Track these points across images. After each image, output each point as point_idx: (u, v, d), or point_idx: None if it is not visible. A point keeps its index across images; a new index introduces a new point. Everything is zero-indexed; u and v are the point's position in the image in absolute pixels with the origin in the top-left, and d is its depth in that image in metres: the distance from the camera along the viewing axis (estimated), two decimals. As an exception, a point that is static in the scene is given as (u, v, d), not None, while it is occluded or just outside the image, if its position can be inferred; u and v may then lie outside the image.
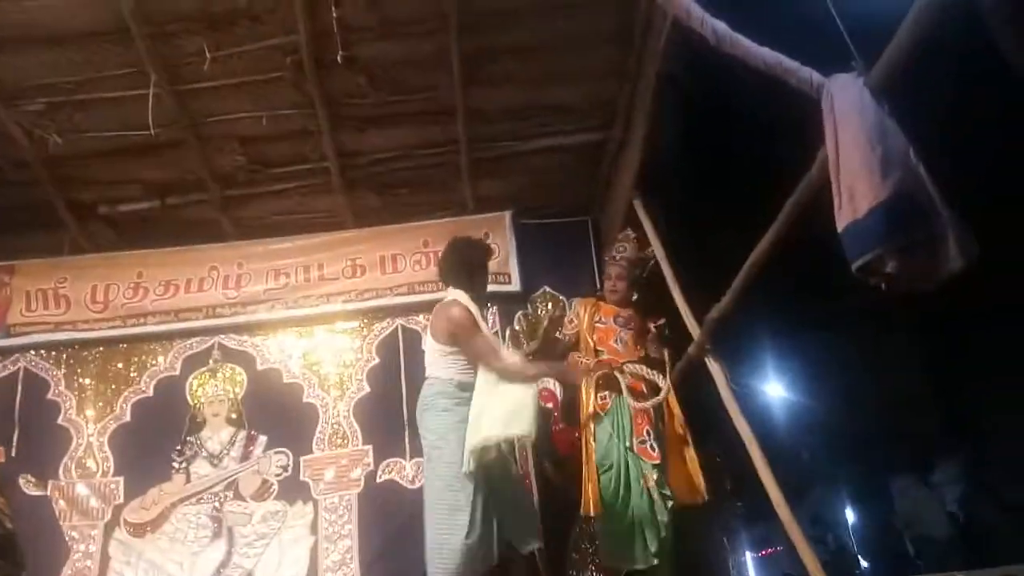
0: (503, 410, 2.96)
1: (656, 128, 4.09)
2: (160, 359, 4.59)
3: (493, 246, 4.64)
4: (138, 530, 4.10)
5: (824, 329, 9.98)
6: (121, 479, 4.23)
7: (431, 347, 3.29)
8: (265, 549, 4.06)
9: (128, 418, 4.42)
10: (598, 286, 4.77)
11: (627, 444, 3.51)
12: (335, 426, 4.42)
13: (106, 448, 4.31)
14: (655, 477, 3.42)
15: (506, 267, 4.72)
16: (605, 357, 3.78)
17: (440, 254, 3.68)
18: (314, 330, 4.70)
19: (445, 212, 4.98)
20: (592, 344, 3.85)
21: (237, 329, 4.66)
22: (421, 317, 4.69)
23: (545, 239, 4.89)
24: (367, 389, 4.52)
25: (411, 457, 4.29)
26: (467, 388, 3.14)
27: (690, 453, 3.62)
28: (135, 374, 4.53)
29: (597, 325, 3.89)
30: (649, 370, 3.72)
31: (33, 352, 4.54)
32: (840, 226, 2.21)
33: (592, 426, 3.60)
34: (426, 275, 4.70)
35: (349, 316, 4.72)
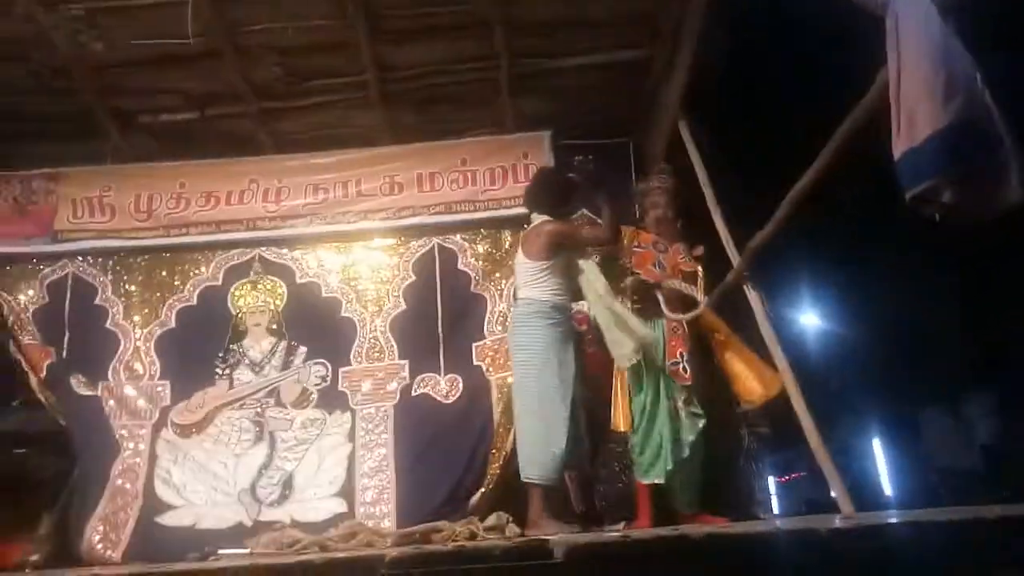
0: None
1: (705, 46, 3.95)
2: (203, 269, 4.69)
3: (532, 166, 4.62)
4: (184, 431, 4.28)
5: (862, 259, 9.79)
6: (167, 382, 4.40)
7: (525, 268, 3.52)
8: (305, 454, 4.22)
9: (173, 324, 4.56)
10: (636, 211, 4.71)
11: (660, 365, 3.55)
12: (372, 340, 4.51)
13: (152, 353, 4.46)
14: (684, 397, 3.49)
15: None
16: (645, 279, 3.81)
17: (530, 182, 3.96)
18: (352, 246, 4.75)
19: (483, 130, 4.91)
20: (630, 268, 3.86)
21: (277, 242, 4.72)
22: (458, 236, 4.71)
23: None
24: (403, 306, 4.58)
25: (445, 373, 4.39)
26: (561, 310, 3.44)
27: (746, 355, 3.64)
28: (179, 282, 4.64)
29: (635, 250, 3.88)
30: (688, 286, 3.72)
31: (80, 259, 4.66)
32: (897, 153, 2.13)
33: None
34: (464, 194, 4.69)
35: (386, 233, 4.75)
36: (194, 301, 4.63)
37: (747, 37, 4.28)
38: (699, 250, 3.89)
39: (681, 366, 3.57)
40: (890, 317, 10.27)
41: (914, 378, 10.93)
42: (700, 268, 3.82)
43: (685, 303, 3.71)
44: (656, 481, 3.42)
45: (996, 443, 10.03)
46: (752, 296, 3.51)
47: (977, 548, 1.38)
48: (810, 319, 12.51)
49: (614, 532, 3.21)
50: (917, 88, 2.12)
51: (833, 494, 3.08)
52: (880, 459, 13.92)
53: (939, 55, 2.11)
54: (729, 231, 3.75)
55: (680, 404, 3.45)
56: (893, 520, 1.49)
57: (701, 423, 3.44)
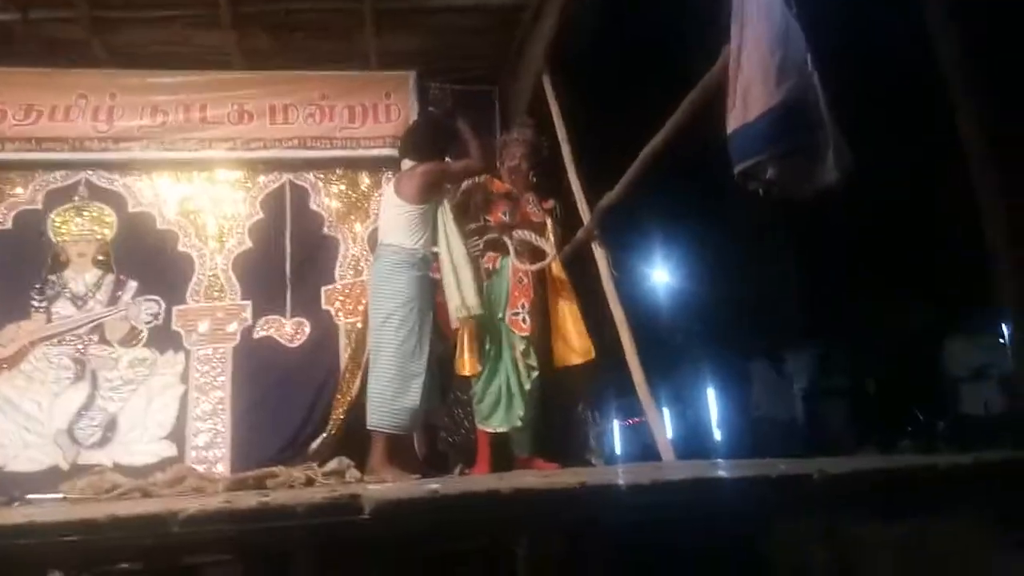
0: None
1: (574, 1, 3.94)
2: (19, 190, 4.23)
3: (393, 106, 4.50)
4: (-7, 366, 3.91)
5: (705, 221, 10.42)
6: (-25, 315, 3.98)
7: (396, 212, 3.41)
8: (131, 395, 3.98)
9: (-18, 248, 4.10)
10: (498, 159, 4.71)
11: (500, 315, 3.60)
12: (211, 278, 4.27)
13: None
14: (522, 348, 3.53)
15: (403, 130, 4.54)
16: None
17: (409, 127, 3.89)
18: (193, 176, 4.43)
19: (345, 65, 4.68)
20: (481, 214, 3.81)
21: (107, 166, 4.33)
22: (311, 175, 4.52)
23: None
24: (248, 244, 4.36)
25: (291, 316, 4.25)
26: (427, 261, 3.41)
27: (575, 313, 3.69)
28: (-9, 203, 4.17)
29: (489, 197, 3.83)
30: (536, 236, 3.76)
31: None
32: (730, 128, 2.24)
33: None
34: (320, 130, 4.48)
35: (232, 165, 4.46)
36: (8, 224, 4.19)
37: (615, -2, 4.32)
38: (549, 203, 3.90)
39: (521, 316, 3.58)
40: (729, 277, 11.04)
41: (747, 333, 11.86)
42: (550, 221, 3.81)
43: (535, 254, 3.75)
44: (496, 429, 3.51)
45: (812, 394, 11.10)
46: (599, 253, 3.63)
47: (760, 503, 1.51)
48: (659, 277, 13.20)
49: (452, 478, 3.27)
50: (755, 67, 2.22)
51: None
52: (713, 409, 15.08)
53: (778, 36, 2.21)
54: (584, 189, 3.83)
55: (518, 354, 3.52)
56: (691, 474, 1.61)
57: (535, 375, 3.53)
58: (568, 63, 4.24)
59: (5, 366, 3.92)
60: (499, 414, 3.50)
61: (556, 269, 3.76)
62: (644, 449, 12.85)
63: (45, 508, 2.15)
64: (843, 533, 1.60)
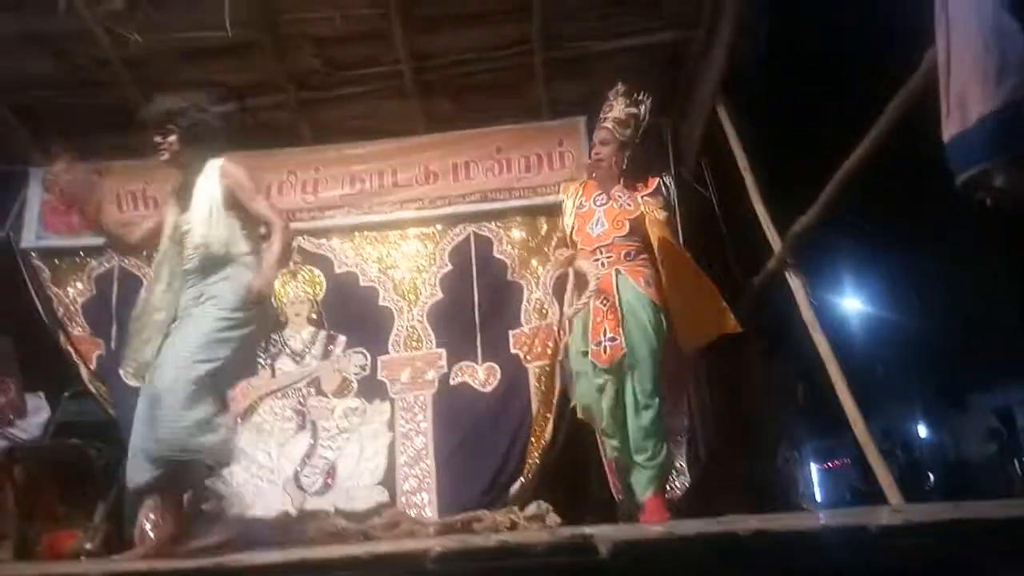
0: None
1: (744, 27, 3.87)
2: (244, 260, 4.76)
3: (567, 153, 4.61)
4: (230, 420, 4.37)
5: (908, 243, 9.55)
6: (213, 372, 4.48)
7: None
8: (346, 443, 4.27)
9: (217, 313, 4.63)
10: (674, 193, 4.65)
11: (583, 349, 3.19)
12: (410, 329, 4.54)
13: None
14: (599, 382, 3.09)
15: (580, 175, 4.63)
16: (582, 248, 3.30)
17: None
18: (388, 235, 4.77)
19: (518, 117, 4.87)
20: (569, 235, 3.39)
21: (315, 232, 4.75)
22: (493, 224, 4.70)
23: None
24: (440, 295, 4.59)
25: (483, 361, 4.40)
26: None
27: (708, 285, 3.30)
28: (219, 274, 4.72)
29: (578, 211, 3.38)
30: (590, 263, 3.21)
31: (126, 250, 4.76)
32: (946, 136, 2.07)
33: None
34: (499, 182, 4.68)
35: (422, 223, 4.76)
36: (237, 291, 4.70)
37: (788, 16, 4.18)
38: (650, 183, 3.33)
39: (603, 346, 3.09)
40: (938, 303, 10.00)
41: (961, 365, 10.67)
42: (652, 203, 3.22)
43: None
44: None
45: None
46: (794, 282, 3.46)
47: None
48: (854, 304, 12.26)
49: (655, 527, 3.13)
50: (967, 69, 2.05)
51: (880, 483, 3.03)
52: (923, 448, 13.67)
53: (991, 34, 2.04)
54: (771, 216, 3.69)
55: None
56: (952, 514, 1.45)
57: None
58: (743, 89, 4.15)
59: (240, 420, 4.37)
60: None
61: (666, 242, 3.22)
62: (851, 493, 11.87)
63: (296, 550, 2.32)
64: None
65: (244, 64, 4.49)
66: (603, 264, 3.19)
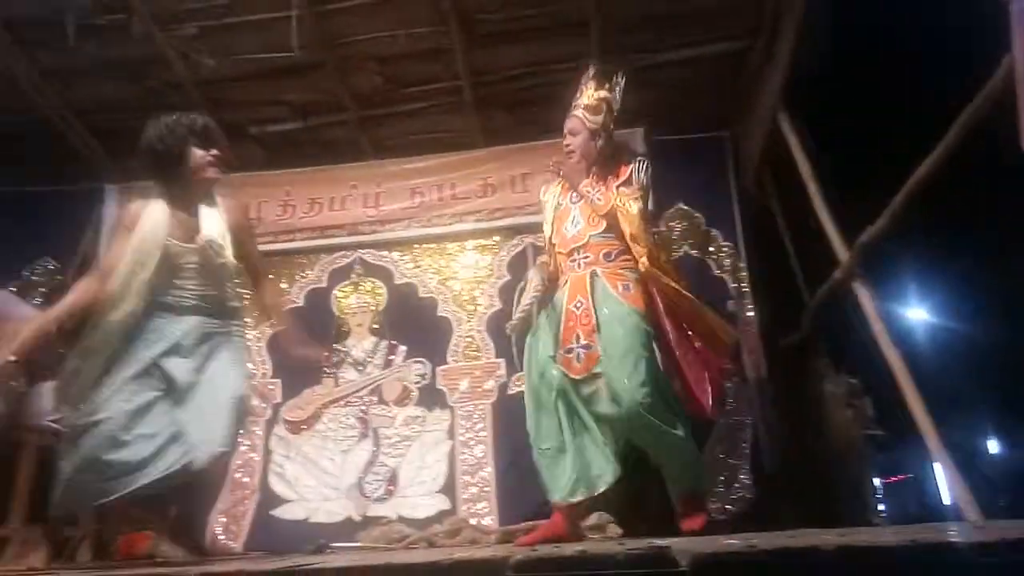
0: None
1: (806, 35, 3.81)
2: (309, 272, 4.90)
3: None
4: (295, 427, 4.49)
5: (978, 253, 9.22)
6: (279, 381, 4.61)
7: None
8: (407, 451, 4.34)
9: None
10: (736, 205, 4.61)
11: (551, 354, 2.92)
12: (468, 339, 4.59)
13: (264, 352, 4.68)
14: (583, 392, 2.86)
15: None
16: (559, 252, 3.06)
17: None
18: (447, 247, 4.85)
19: (576, 129, 4.90)
20: (548, 238, 3.17)
21: (376, 245, 4.88)
22: (551, 236, 4.73)
23: (680, 156, 4.71)
24: (498, 305, 4.64)
25: (540, 372, 4.42)
26: None
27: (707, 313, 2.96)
28: (286, 285, 4.86)
29: (556, 211, 3.14)
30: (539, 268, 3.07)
31: (197, 266, 4.94)
32: (1026, 143, 2.02)
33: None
34: (556, 194, 4.71)
35: (480, 234, 4.83)
36: (301, 302, 4.83)
37: (852, 23, 4.11)
38: (622, 172, 2.97)
39: (575, 354, 2.83)
40: (1008, 313, 9.63)
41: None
42: (627, 196, 2.88)
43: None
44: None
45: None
46: (862, 293, 3.39)
47: None
48: (920, 314, 11.88)
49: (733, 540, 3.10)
50: (1050, 73, 2.00)
51: (951, 499, 2.94)
52: (994, 463, 13.12)
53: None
54: (838, 227, 3.63)
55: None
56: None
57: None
58: (806, 98, 4.09)
59: (304, 427, 4.48)
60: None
61: (656, 277, 2.86)
62: (919, 508, 11.46)
63: (378, 554, 2.35)
64: None
65: (309, 83, 4.64)
66: (579, 266, 2.95)
